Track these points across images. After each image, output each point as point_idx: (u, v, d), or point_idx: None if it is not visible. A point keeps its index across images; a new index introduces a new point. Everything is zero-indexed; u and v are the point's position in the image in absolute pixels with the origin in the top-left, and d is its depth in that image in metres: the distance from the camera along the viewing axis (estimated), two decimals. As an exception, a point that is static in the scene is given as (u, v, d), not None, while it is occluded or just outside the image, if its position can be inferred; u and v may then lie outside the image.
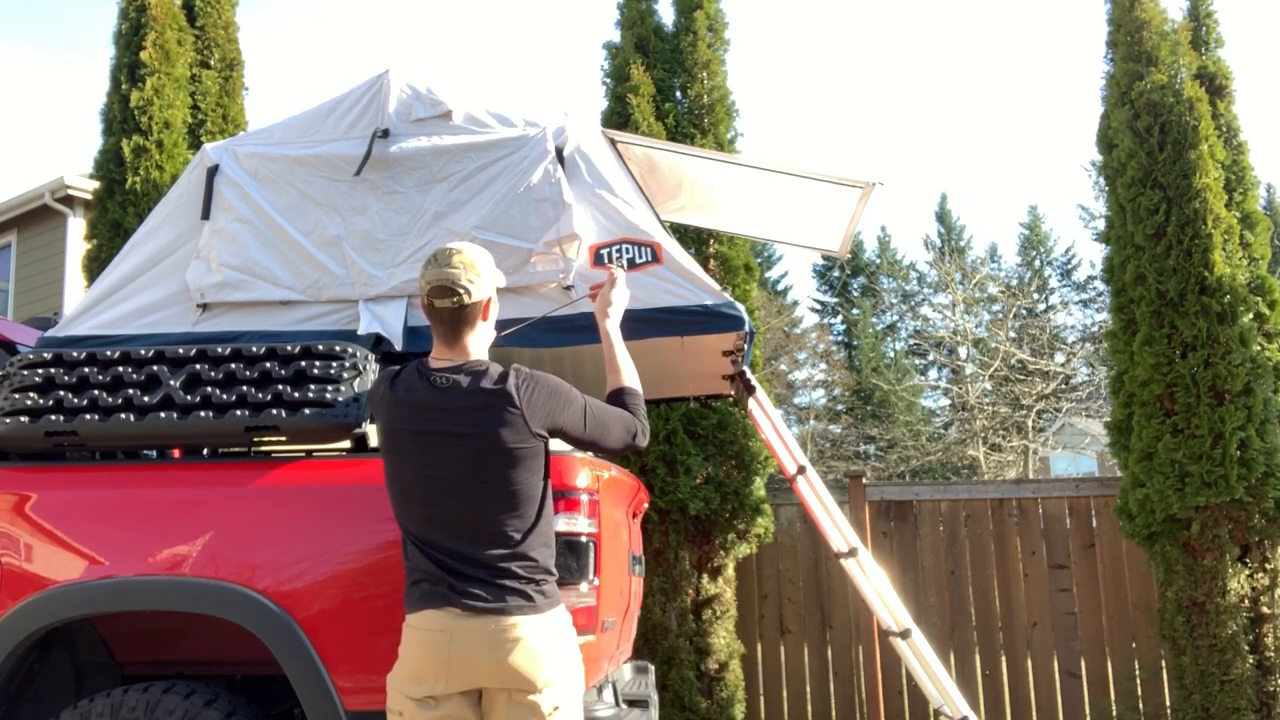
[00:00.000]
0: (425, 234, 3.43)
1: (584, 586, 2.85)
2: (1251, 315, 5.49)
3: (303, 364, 3.10)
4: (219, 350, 3.16)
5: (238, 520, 2.97)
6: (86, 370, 3.15)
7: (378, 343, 3.31)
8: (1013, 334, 21.30)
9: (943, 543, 6.23)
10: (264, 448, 3.37)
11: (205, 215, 3.51)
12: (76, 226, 11.40)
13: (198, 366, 3.13)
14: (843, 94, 58.39)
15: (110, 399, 3.11)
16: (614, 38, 6.43)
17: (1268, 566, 5.40)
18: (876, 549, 6.11)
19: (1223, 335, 5.36)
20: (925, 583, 6.16)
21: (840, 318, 32.20)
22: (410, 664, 2.45)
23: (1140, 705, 5.81)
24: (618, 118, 5.99)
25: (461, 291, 2.49)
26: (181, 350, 3.18)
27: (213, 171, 3.54)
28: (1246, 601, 5.37)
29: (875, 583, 3.74)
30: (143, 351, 3.18)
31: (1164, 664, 5.70)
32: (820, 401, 27.02)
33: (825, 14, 56.71)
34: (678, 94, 6.28)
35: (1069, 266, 30.31)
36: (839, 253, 4.56)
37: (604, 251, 3.32)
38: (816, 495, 3.71)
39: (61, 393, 3.13)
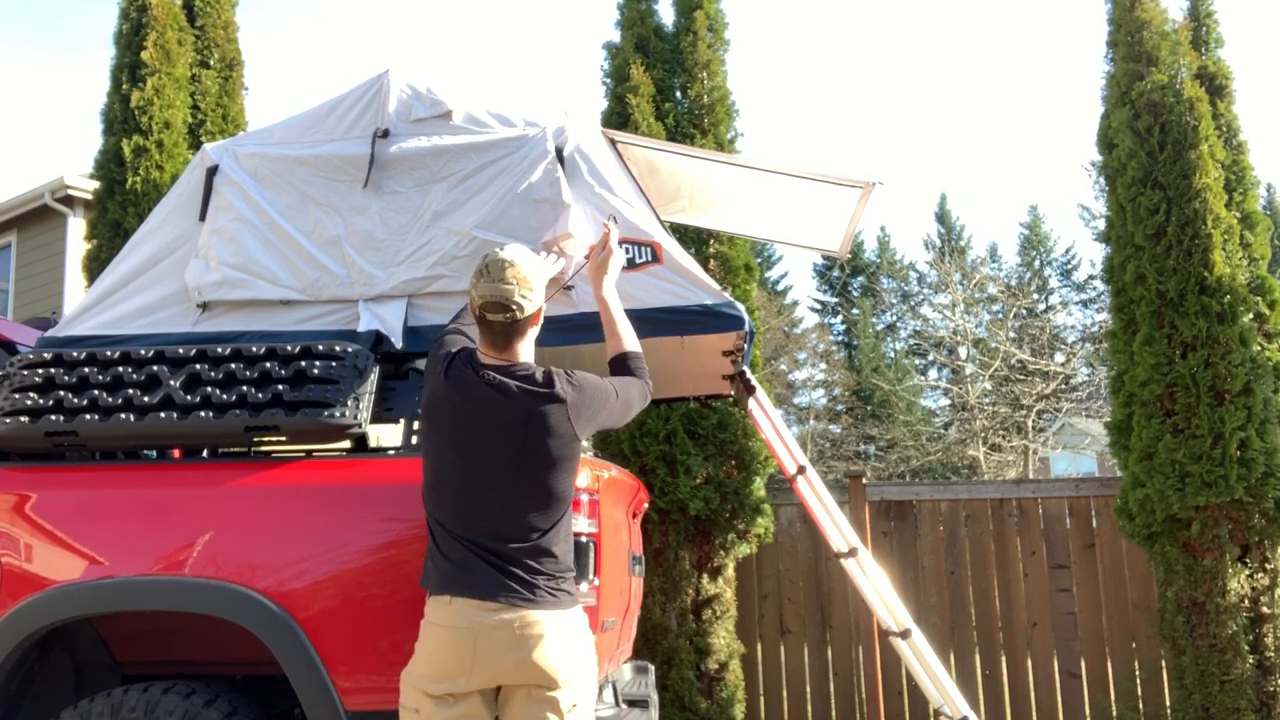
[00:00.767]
0: (425, 233, 3.43)
1: (584, 586, 2.85)
2: (1251, 315, 5.49)
3: (303, 364, 3.10)
4: (219, 350, 3.16)
5: (238, 520, 2.97)
6: (86, 370, 3.15)
7: (378, 342, 3.31)
8: (1013, 334, 21.30)
9: (943, 543, 6.23)
10: (264, 448, 3.37)
11: (204, 216, 3.51)
12: (76, 226, 11.40)
13: (198, 366, 3.13)
14: (843, 94, 58.43)
15: (110, 399, 3.11)
16: (614, 38, 6.43)
17: (1268, 566, 5.40)
18: (876, 549, 6.11)
19: (1223, 335, 5.36)
20: (925, 583, 6.16)
21: (840, 318, 32.19)
22: (432, 661, 2.46)
23: (1140, 705, 5.81)
24: (618, 118, 5.99)
25: (515, 308, 2.54)
26: (181, 350, 3.18)
27: (212, 171, 3.53)
28: (1246, 601, 5.37)
29: (875, 583, 3.73)
30: (143, 351, 3.18)
31: (1164, 664, 5.70)
32: (820, 401, 27.03)
33: (825, 14, 56.74)
34: (678, 94, 6.28)
35: (1069, 266, 30.32)
36: (839, 253, 4.56)
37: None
38: (816, 495, 3.71)
39: (61, 393, 3.12)
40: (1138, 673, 5.87)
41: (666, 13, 6.47)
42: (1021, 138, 53.71)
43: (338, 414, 3.03)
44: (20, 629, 2.92)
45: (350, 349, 3.15)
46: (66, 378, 3.15)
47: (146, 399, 3.09)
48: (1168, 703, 5.69)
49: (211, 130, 6.27)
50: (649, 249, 3.38)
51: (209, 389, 3.09)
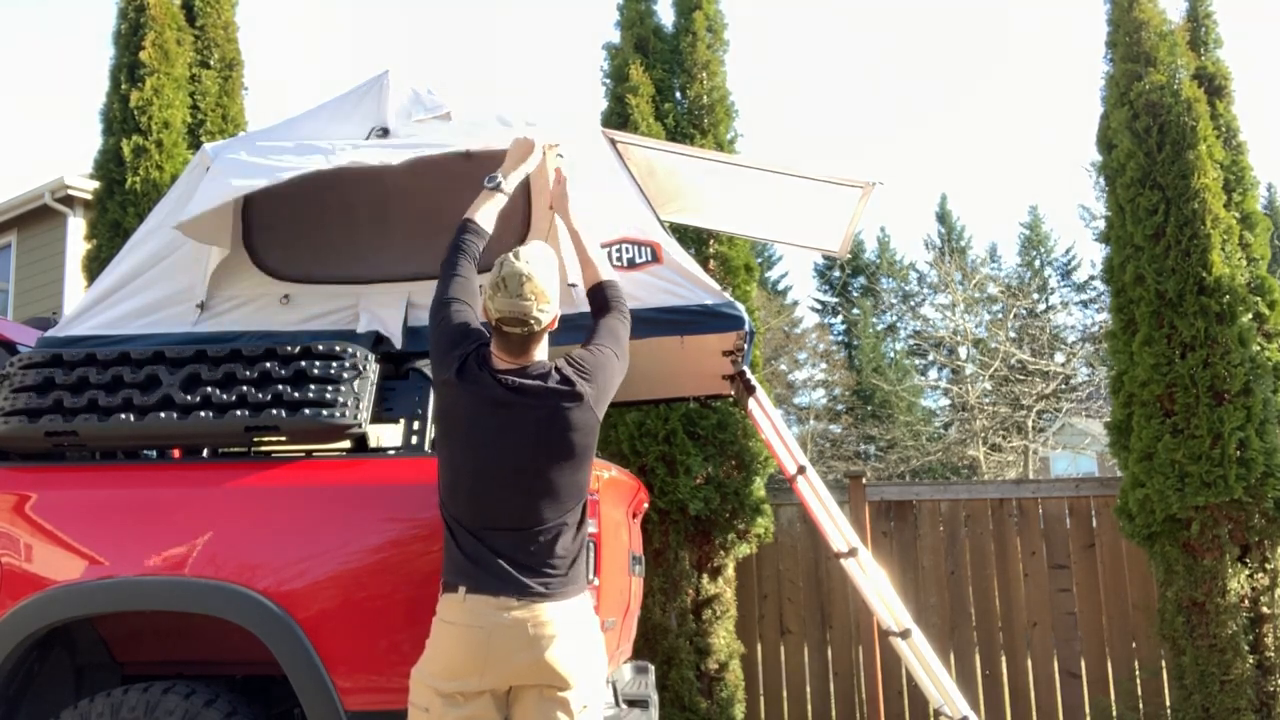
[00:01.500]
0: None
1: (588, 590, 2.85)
2: (1251, 315, 5.49)
3: (302, 364, 3.10)
4: (218, 350, 3.16)
5: (237, 520, 2.97)
6: (86, 370, 3.15)
7: (378, 342, 3.31)
8: (1013, 334, 21.28)
9: (943, 543, 6.23)
10: (264, 448, 3.37)
11: None
12: (76, 226, 11.40)
13: (197, 367, 3.13)
14: (843, 94, 58.43)
15: (110, 399, 3.11)
16: (614, 38, 6.44)
17: (1268, 566, 5.40)
18: (876, 549, 6.11)
19: (1222, 335, 5.36)
20: (925, 583, 6.16)
21: (840, 318, 32.18)
22: (444, 658, 2.46)
23: (1140, 705, 5.81)
24: (617, 118, 6.00)
25: (532, 322, 2.57)
26: (181, 350, 3.18)
27: (212, 171, 3.53)
28: (1246, 601, 5.37)
29: (875, 583, 3.73)
30: (142, 352, 3.18)
31: (1164, 664, 5.71)
32: (820, 401, 27.00)
33: (825, 14, 56.74)
34: (677, 94, 6.28)
35: (1069, 267, 30.30)
36: (839, 253, 4.56)
37: (604, 251, 3.32)
38: (816, 495, 3.71)
39: (61, 393, 3.13)
40: (1138, 673, 5.87)
41: (666, 13, 6.48)
42: (1021, 138, 53.74)
43: (338, 414, 3.03)
44: (20, 629, 2.92)
45: (350, 349, 3.15)
46: (66, 378, 3.15)
47: (146, 399, 3.09)
48: (1168, 703, 5.69)
49: (211, 130, 6.26)
50: (649, 249, 3.38)
51: (209, 389, 3.09)
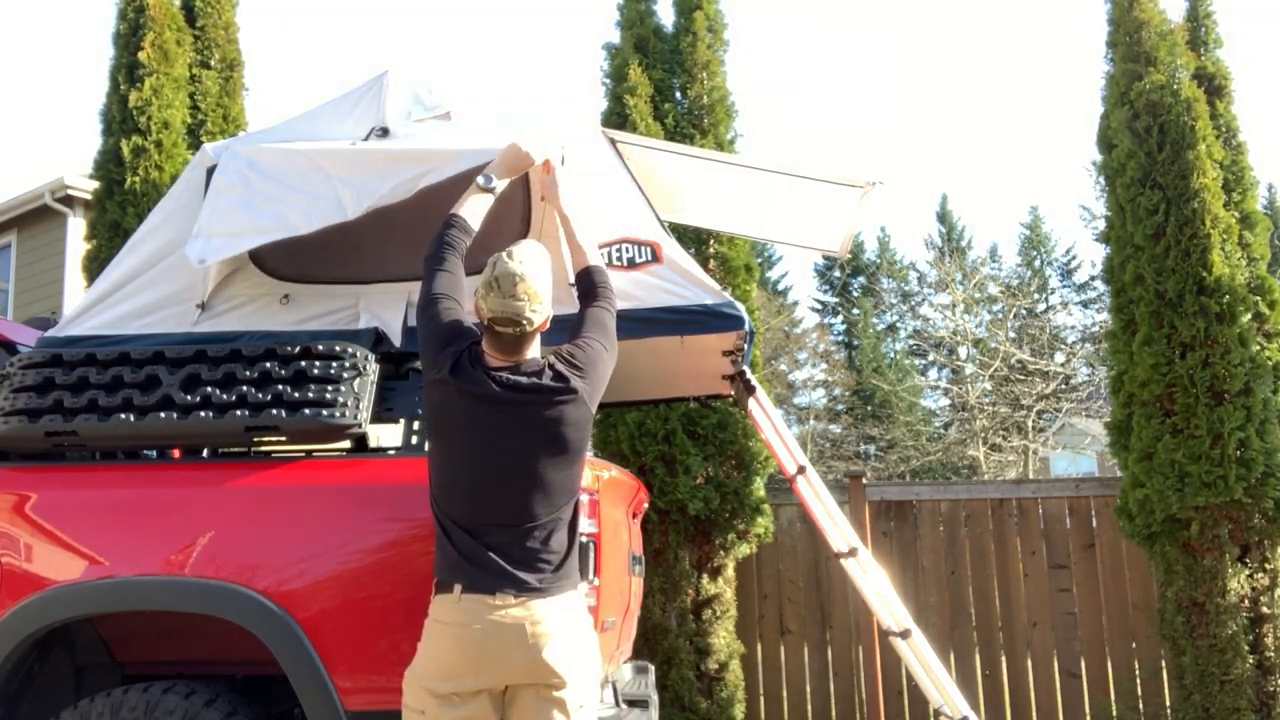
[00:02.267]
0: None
1: (583, 586, 2.85)
2: (1250, 315, 5.49)
3: (303, 364, 3.10)
4: (218, 350, 3.16)
5: (237, 520, 2.97)
6: (86, 370, 3.15)
7: (378, 341, 3.31)
8: (1013, 334, 21.29)
9: (943, 543, 6.23)
10: (264, 448, 3.37)
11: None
12: (76, 226, 11.40)
13: (197, 367, 3.13)
14: (843, 94, 58.42)
15: (110, 399, 3.10)
16: (614, 38, 6.44)
17: (1267, 566, 5.40)
18: (876, 549, 6.10)
19: (1221, 335, 5.36)
20: (925, 583, 6.16)
21: (840, 318, 32.17)
22: (438, 659, 2.46)
23: (1140, 705, 5.81)
24: (617, 118, 6.00)
25: (525, 323, 2.57)
26: (181, 350, 3.18)
27: (213, 171, 3.53)
28: (1246, 601, 5.37)
29: (875, 583, 3.73)
30: (142, 352, 3.18)
31: (1164, 664, 5.71)
32: (820, 401, 26.99)
33: (825, 14, 56.75)
34: (677, 94, 6.28)
35: (1069, 267, 30.29)
36: (839, 253, 4.56)
37: (604, 251, 3.32)
38: (816, 495, 3.71)
39: (61, 393, 3.12)
40: (1138, 673, 5.87)
41: (666, 13, 6.48)
42: (1022, 138, 53.73)
43: (338, 414, 3.03)
44: (20, 629, 2.92)
45: (350, 349, 3.15)
46: (66, 378, 3.14)
47: (146, 399, 3.09)
48: (1168, 703, 5.69)
49: (212, 130, 6.26)
50: (649, 249, 3.38)
51: (209, 389, 3.09)
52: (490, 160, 3.10)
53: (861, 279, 32.16)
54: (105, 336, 3.42)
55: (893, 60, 57.67)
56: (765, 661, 6.22)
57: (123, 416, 3.08)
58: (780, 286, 30.73)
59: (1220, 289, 5.41)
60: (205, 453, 3.41)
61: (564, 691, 2.45)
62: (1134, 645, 5.91)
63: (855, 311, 30.76)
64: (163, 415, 3.07)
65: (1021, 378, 19.88)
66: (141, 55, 6.10)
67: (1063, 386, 19.92)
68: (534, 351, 2.65)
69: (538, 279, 2.60)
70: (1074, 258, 30.36)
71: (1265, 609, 5.36)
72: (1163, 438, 5.39)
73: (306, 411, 3.03)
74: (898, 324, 30.26)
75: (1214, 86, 5.97)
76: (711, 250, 5.95)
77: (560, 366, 2.59)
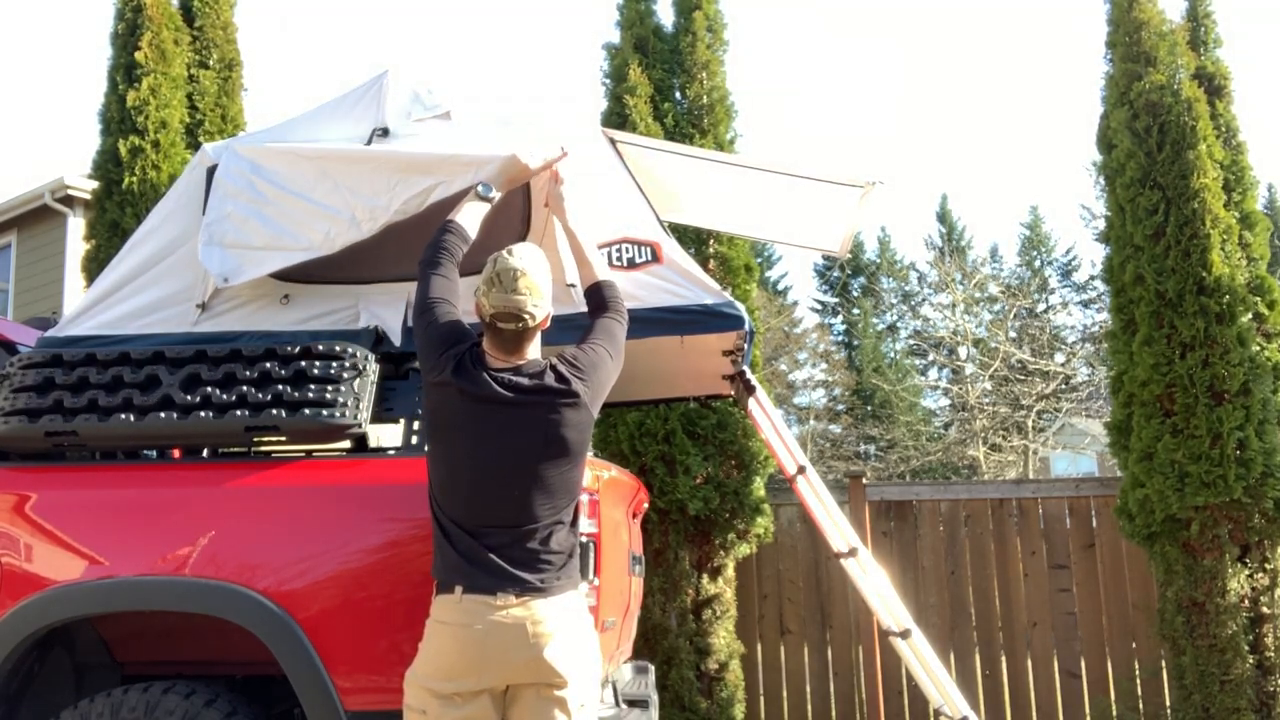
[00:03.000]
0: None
1: (584, 586, 2.85)
2: (1250, 315, 5.49)
3: (302, 364, 3.10)
4: (218, 350, 3.16)
5: (237, 520, 2.97)
6: (86, 370, 3.15)
7: (378, 342, 3.31)
8: (1013, 334, 21.30)
9: (943, 543, 6.23)
10: (264, 448, 3.37)
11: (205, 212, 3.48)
12: (76, 226, 11.40)
13: (197, 367, 3.13)
14: (843, 94, 58.41)
15: (110, 399, 3.10)
16: (613, 38, 6.43)
17: (1267, 566, 5.40)
18: (876, 549, 6.11)
19: (1221, 335, 5.36)
20: (925, 583, 6.16)
21: (840, 318, 32.17)
22: (440, 659, 2.46)
23: (1140, 705, 5.81)
24: (616, 118, 6.00)
25: (526, 318, 2.57)
26: (181, 350, 3.18)
27: (212, 171, 3.52)
28: (1246, 601, 5.37)
29: (875, 583, 3.73)
30: (142, 352, 3.18)
31: (1164, 664, 5.71)
32: (820, 401, 26.99)
33: (825, 14, 56.73)
34: (677, 94, 6.28)
35: (1069, 267, 30.29)
36: (839, 253, 4.55)
37: (604, 251, 3.32)
38: (816, 495, 3.71)
39: (61, 393, 3.12)
40: (1138, 673, 5.87)
41: (666, 13, 6.48)
42: (1022, 138, 53.73)
43: (338, 414, 3.03)
44: (20, 629, 2.92)
45: (350, 349, 3.15)
46: (66, 378, 3.14)
47: (146, 399, 3.09)
48: (1168, 703, 5.69)
49: (210, 130, 6.26)
50: (649, 249, 3.38)
51: (209, 389, 3.09)
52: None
53: (861, 279, 32.16)
54: (105, 336, 3.42)
55: (893, 60, 57.68)
56: (765, 661, 6.22)
57: (123, 416, 3.08)
58: (780, 286, 30.73)
59: (1220, 289, 5.41)
60: (205, 453, 3.41)
61: (565, 691, 2.46)
62: (1134, 645, 5.91)
63: (855, 311, 30.76)
64: (163, 415, 3.07)
65: (1021, 378, 19.89)
66: (139, 55, 6.10)
67: (1063, 386, 19.93)
68: (535, 352, 2.66)
69: (538, 275, 2.61)
70: (1074, 258, 30.38)
71: (1265, 609, 5.36)
72: (1162, 438, 5.39)
73: (306, 411, 3.03)
74: (898, 324, 30.27)
75: (1214, 86, 5.97)
76: (711, 250, 5.95)
77: (562, 369, 2.60)
